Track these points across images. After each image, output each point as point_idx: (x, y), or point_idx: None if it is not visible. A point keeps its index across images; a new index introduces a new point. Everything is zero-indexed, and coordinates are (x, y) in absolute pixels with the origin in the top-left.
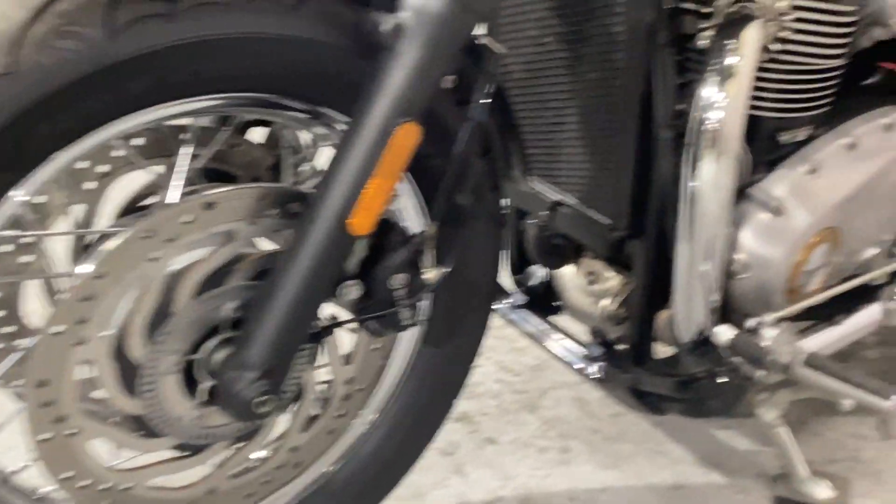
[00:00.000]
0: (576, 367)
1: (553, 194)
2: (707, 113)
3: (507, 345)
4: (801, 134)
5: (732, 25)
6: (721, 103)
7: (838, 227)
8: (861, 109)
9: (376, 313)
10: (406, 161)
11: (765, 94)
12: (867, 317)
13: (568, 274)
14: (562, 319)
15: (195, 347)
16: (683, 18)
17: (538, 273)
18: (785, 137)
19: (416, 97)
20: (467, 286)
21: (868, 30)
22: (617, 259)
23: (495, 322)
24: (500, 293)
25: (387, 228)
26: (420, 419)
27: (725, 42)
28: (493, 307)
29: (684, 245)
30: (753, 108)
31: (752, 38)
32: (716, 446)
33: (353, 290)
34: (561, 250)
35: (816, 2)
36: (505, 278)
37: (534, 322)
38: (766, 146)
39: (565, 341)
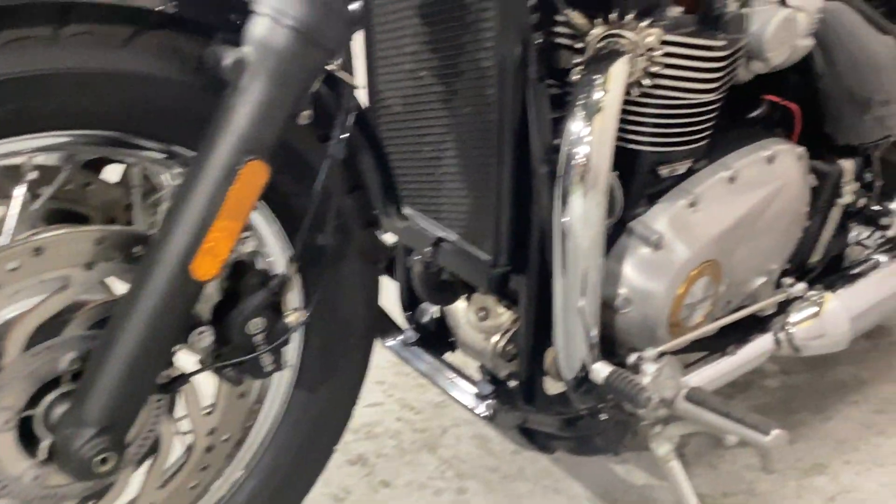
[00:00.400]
0: (467, 405)
1: (436, 230)
2: (575, 148)
3: (410, 381)
4: (681, 167)
5: (601, 60)
6: (588, 138)
7: (719, 259)
8: (742, 142)
9: (233, 360)
10: (254, 201)
11: (642, 129)
12: (759, 347)
13: (459, 310)
14: (456, 356)
15: (34, 401)
16: (558, 53)
17: (430, 309)
18: (665, 171)
19: (263, 135)
20: (341, 326)
21: (748, 63)
22: (506, 295)
23: (397, 359)
24: (393, 330)
25: (242, 270)
26: (297, 467)
27: (593, 77)
28: (373, 345)
29: (559, 281)
30: (632, 141)
31: (619, 73)
32: (613, 482)
33: (205, 336)
34: (449, 286)
35: (686, 37)
36: (397, 315)
37: (427, 359)
38: (646, 180)
39: (457, 379)
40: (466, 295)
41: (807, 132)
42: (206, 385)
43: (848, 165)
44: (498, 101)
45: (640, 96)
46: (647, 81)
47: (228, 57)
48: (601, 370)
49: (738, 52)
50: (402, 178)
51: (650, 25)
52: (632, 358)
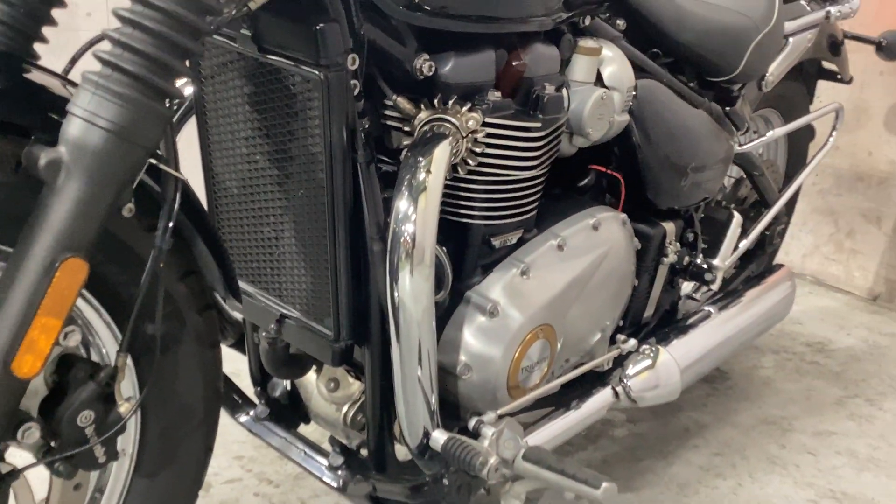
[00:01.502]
0: (320, 476)
1: (279, 307)
2: (401, 226)
3: (269, 455)
4: (513, 237)
5: (425, 143)
6: (413, 216)
7: (552, 323)
8: (570, 211)
9: (64, 454)
10: (73, 298)
11: (473, 204)
12: (600, 400)
13: (310, 382)
14: (312, 427)
15: None
16: (390, 134)
17: (281, 383)
18: (497, 242)
19: (81, 232)
20: (180, 411)
21: (570, 138)
22: (354, 365)
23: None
24: (245, 405)
25: (69, 363)
26: None
27: (418, 159)
28: (216, 425)
29: (396, 352)
30: (465, 216)
31: (441, 155)
32: None
33: (33, 432)
34: (296, 361)
35: (506, 120)
36: (249, 390)
37: (279, 433)
38: (480, 251)
39: (310, 451)
40: (317, 367)
41: (632, 198)
42: (40, 478)
43: (670, 227)
44: (329, 185)
45: (468, 174)
46: (471, 161)
47: (44, 157)
48: (439, 437)
49: (556, 131)
50: (244, 258)
51: (471, 110)
52: (472, 422)
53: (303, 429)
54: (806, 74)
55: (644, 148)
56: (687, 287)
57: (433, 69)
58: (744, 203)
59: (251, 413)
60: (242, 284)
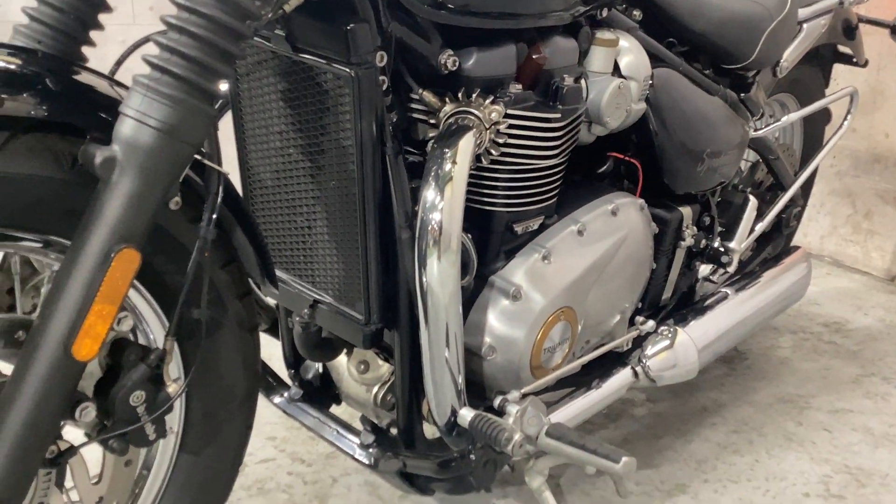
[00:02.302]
0: (352, 454)
1: (312, 293)
2: (429, 215)
3: (301, 435)
4: (535, 224)
5: (451, 135)
6: (440, 205)
7: (572, 305)
8: (589, 197)
9: (117, 432)
10: (127, 286)
11: (496, 192)
12: (620, 380)
13: (341, 364)
14: (343, 408)
15: None
16: (416, 127)
17: (314, 366)
18: (520, 228)
19: (134, 224)
20: (222, 391)
21: (589, 127)
22: (383, 348)
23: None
24: (280, 387)
25: (121, 347)
26: None
27: (444, 150)
28: (255, 407)
29: (425, 335)
30: (488, 204)
31: (466, 146)
32: None
33: (89, 411)
34: (328, 344)
35: (526, 111)
36: (283, 373)
37: (313, 413)
38: (503, 237)
39: (342, 430)
40: (347, 350)
41: (649, 184)
42: (94, 455)
43: (687, 212)
44: (359, 176)
45: (491, 164)
46: (494, 151)
47: (99, 155)
48: (466, 415)
49: (575, 120)
50: (278, 247)
51: (493, 102)
52: (497, 400)
53: (334, 409)
54: (821, 59)
55: (661, 135)
56: (705, 269)
57: (457, 64)
58: (760, 187)
59: (285, 395)
60: (278, 272)
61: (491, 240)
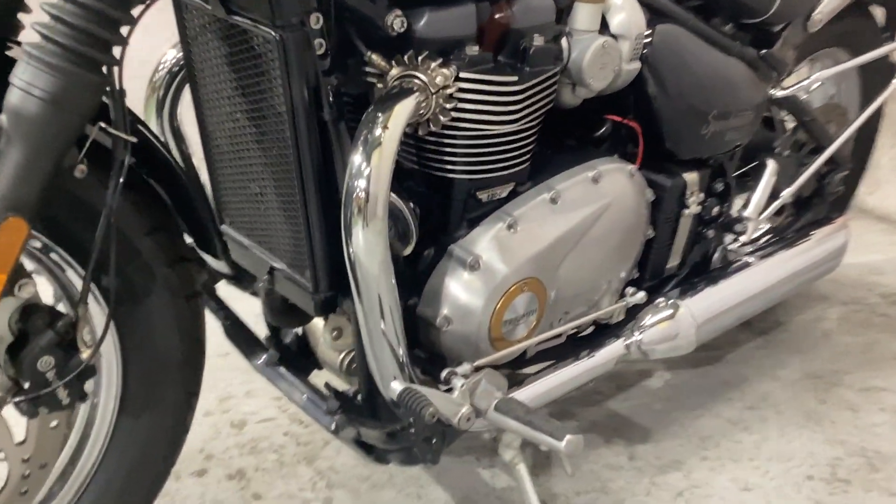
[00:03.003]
0: (318, 419)
1: (269, 259)
2: (354, 181)
3: None
4: (502, 191)
5: (388, 99)
6: (367, 171)
7: (539, 277)
8: (570, 164)
9: (26, 397)
10: (16, 254)
11: (454, 159)
12: (611, 352)
13: (317, 329)
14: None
15: None
16: (371, 91)
17: (291, 331)
18: (484, 196)
19: (21, 194)
20: (157, 357)
21: (574, 89)
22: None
23: None
24: (259, 350)
25: (31, 312)
26: (130, 486)
27: (377, 114)
28: (199, 371)
29: (358, 307)
30: (448, 171)
31: (402, 111)
32: (475, 487)
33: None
34: (295, 310)
35: (481, 75)
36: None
37: (287, 377)
38: (466, 205)
39: (312, 395)
40: (325, 316)
41: (652, 148)
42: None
43: (692, 178)
44: (294, 143)
45: (446, 129)
46: (443, 117)
47: None
48: (396, 388)
49: (544, 83)
50: (239, 212)
51: (444, 65)
52: (444, 373)
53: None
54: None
55: (660, 97)
56: (730, 238)
57: (405, 25)
58: (801, 149)
59: (264, 357)
60: (240, 237)
61: (453, 207)
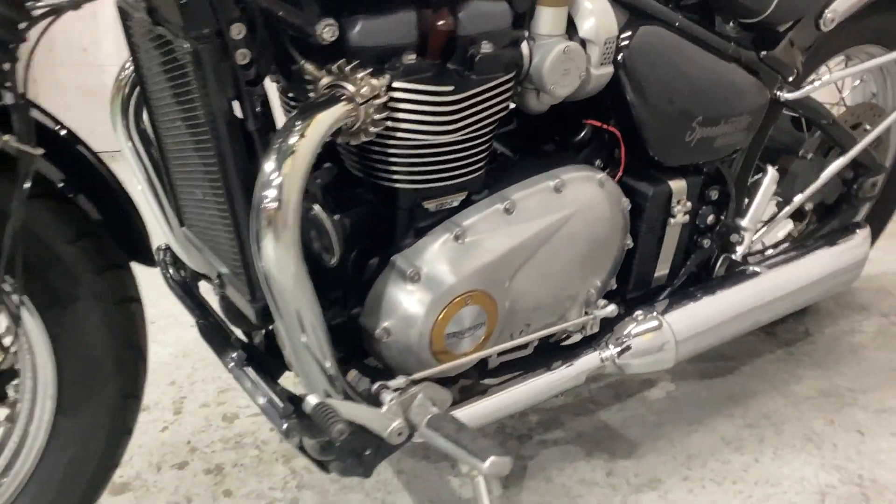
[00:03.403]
0: (273, 422)
1: (216, 264)
2: (262, 191)
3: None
4: (453, 201)
5: (310, 108)
6: (274, 181)
7: (488, 289)
8: (535, 171)
9: None
10: None
11: (397, 168)
12: (583, 364)
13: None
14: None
15: None
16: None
17: (262, 331)
18: (432, 206)
19: None
20: (89, 361)
21: (538, 95)
22: None
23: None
24: (231, 349)
25: None
26: (68, 485)
27: (296, 123)
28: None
29: (278, 320)
30: (390, 180)
31: (323, 120)
32: (443, 493)
33: None
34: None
35: (415, 84)
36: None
37: (251, 378)
38: (412, 214)
39: (273, 397)
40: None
41: (636, 155)
42: None
43: (679, 185)
44: (217, 153)
45: (387, 138)
46: (374, 128)
47: None
48: (311, 401)
49: (490, 92)
50: (192, 214)
51: (376, 74)
52: (375, 386)
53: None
54: None
55: (637, 102)
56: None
57: (336, 34)
58: (829, 153)
59: (234, 357)
60: (195, 239)
61: (398, 217)
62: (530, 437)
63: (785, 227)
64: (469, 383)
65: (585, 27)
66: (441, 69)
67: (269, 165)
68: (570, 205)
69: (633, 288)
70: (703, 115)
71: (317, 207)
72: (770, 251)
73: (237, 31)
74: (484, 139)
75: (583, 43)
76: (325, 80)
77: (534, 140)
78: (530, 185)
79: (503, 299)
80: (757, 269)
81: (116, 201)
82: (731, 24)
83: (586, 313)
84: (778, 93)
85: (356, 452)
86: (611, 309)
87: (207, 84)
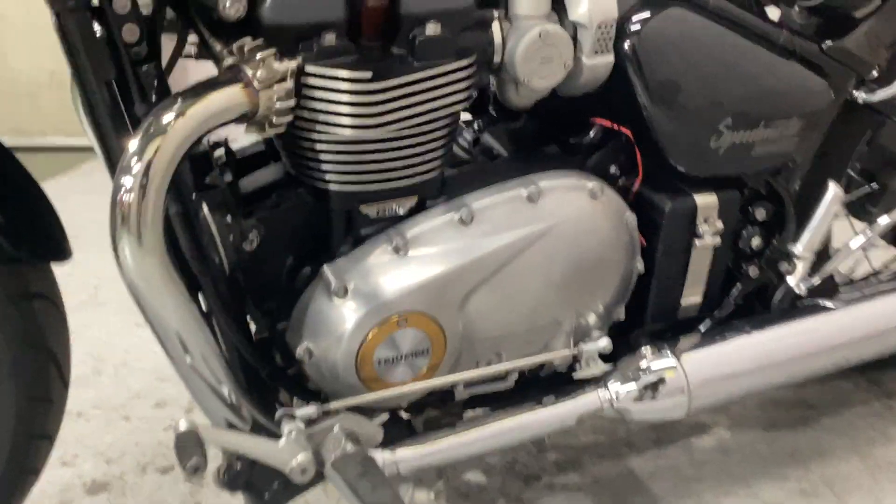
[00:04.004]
0: None
1: None
2: (122, 178)
3: None
4: (398, 206)
5: (201, 88)
6: (138, 168)
7: (429, 311)
8: (510, 174)
9: None
10: None
11: (324, 167)
12: (578, 405)
13: None
14: None
15: None
16: None
17: None
18: (373, 211)
19: None
20: None
21: (518, 89)
22: None
23: None
24: None
25: None
26: None
27: (177, 101)
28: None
29: (159, 339)
30: (323, 180)
31: (206, 104)
32: None
33: None
34: None
35: (327, 69)
36: None
37: None
38: (350, 221)
39: None
40: None
41: (653, 161)
42: None
43: (708, 200)
44: (97, 135)
45: (308, 131)
46: (282, 118)
47: None
48: (179, 428)
49: (427, 81)
50: None
51: (285, 56)
52: (278, 414)
53: None
54: None
55: (645, 99)
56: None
57: (243, 10)
58: None
59: None
60: None
61: (333, 222)
62: (539, 479)
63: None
64: (435, 415)
65: (575, 9)
66: (366, 52)
67: (132, 147)
68: (548, 217)
69: (654, 319)
70: (734, 116)
71: (205, 207)
72: (859, 283)
73: (121, 4)
74: (435, 136)
75: (574, 27)
76: (228, 61)
77: (540, 140)
78: (496, 193)
79: (453, 324)
80: (829, 304)
81: (22, 196)
82: (796, 8)
83: (575, 345)
84: (856, 93)
85: (254, 487)
86: (603, 343)
87: (78, 62)
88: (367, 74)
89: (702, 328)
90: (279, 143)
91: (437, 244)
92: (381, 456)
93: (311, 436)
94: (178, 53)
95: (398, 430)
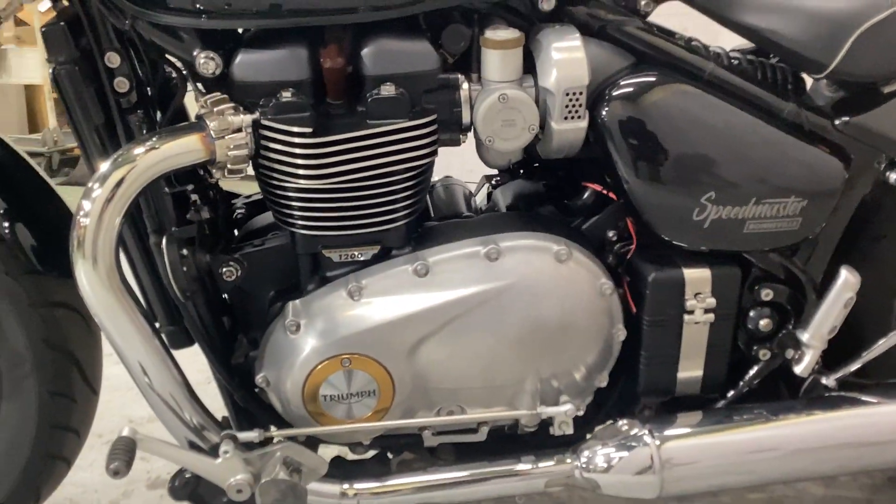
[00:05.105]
0: None
1: None
2: (84, 205)
3: None
4: (361, 253)
5: (171, 132)
6: (99, 195)
7: (373, 355)
8: (482, 231)
9: None
10: None
11: (289, 211)
12: (549, 469)
13: None
14: None
15: None
16: None
17: None
18: (336, 255)
19: None
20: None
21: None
22: None
23: None
24: None
25: None
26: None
27: (150, 140)
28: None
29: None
30: (290, 224)
31: (171, 146)
32: None
33: None
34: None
35: (276, 123)
36: None
37: None
38: (317, 262)
39: None
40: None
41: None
42: None
43: (699, 274)
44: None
45: (272, 178)
46: (236, 165)
47: None
48: (123, 431)
49: (375, 138)
50: None
51: (245, 110)
52: (221, 435)
53: None
54: None
55: (622, 166)
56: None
57: (218, 68)
58: None
59: None
60: None
61: (300, 262)
62: None
63: None
64: (409, 459)
65: (543, 75)
66: (321, 109)
67: (98, 174)
68: (505, 276)
69: (646, 390)
70: (718, 190)
71: (165, 240)
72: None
73: (113, 59)
74: (394, 189)
75: (546, 92)
76: (199, 111)
77: (542, 200)
78: (455, 248)
79: (401, 370)
80: (862, 398)
81: (47, 211)
82: (824, 81)
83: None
84: (888, 173)
85: (203, 500)
86: (567, 409)
87: (70, 108)
88: (307, 129)
89: (718, 406)
90: (260, 187)
91: (389, 293)
92: (337, 489)
93: (252, 459)
94: (179, 100)
95: (372, 467)
